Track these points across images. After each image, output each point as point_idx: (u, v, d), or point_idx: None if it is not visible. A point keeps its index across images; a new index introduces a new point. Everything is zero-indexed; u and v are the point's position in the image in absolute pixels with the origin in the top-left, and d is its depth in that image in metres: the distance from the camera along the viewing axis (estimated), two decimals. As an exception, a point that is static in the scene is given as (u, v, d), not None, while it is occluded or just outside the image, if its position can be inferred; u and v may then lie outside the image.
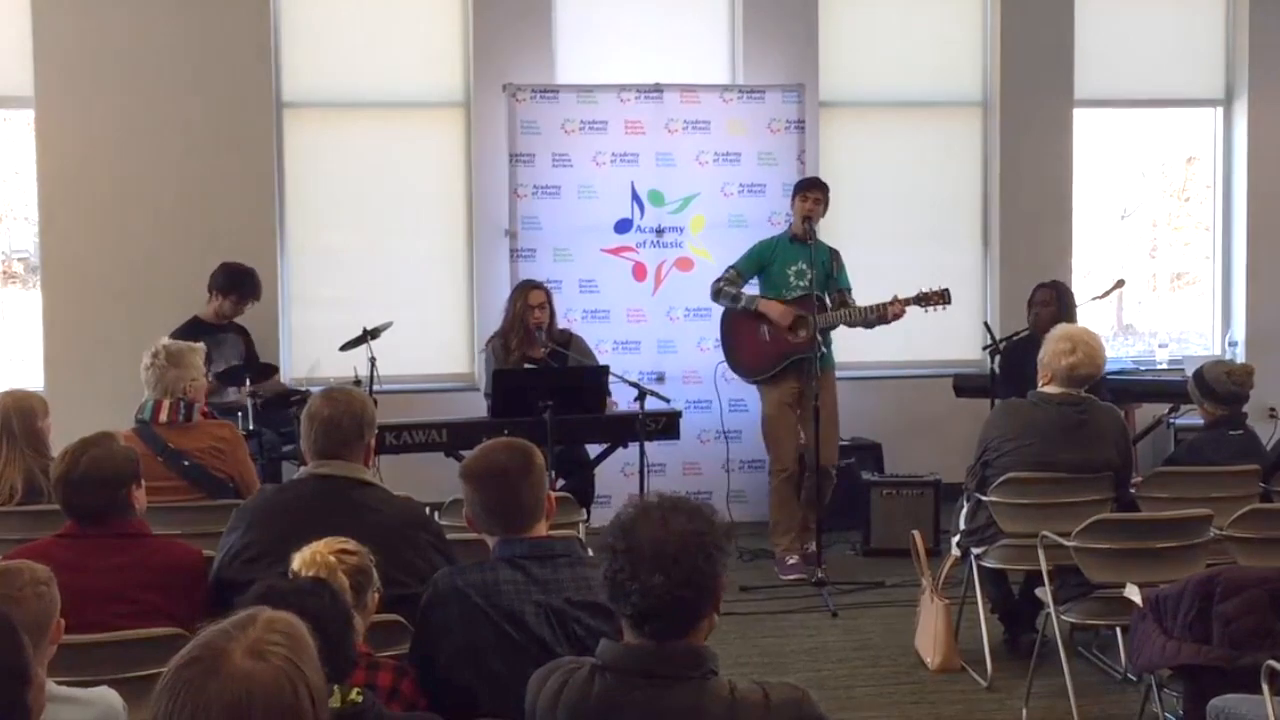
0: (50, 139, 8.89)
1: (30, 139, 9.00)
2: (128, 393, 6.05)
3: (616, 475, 8.21)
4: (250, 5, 8.99)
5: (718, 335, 8.24)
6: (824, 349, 7.81)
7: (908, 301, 7.80)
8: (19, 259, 10.09)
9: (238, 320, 8.47)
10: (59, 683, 3.11)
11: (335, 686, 2.75)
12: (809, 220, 7.80)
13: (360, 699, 2.82)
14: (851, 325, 7.98)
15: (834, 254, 8.08)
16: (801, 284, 7.88)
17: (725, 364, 8.23)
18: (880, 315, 7.82)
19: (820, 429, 7.64)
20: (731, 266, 8.08)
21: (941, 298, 7.84)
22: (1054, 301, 8.21)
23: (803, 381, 7.83)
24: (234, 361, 8.12)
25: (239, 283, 8.33)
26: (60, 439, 4.41)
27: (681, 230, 9.01)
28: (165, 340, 5.87)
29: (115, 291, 8.83)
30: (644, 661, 2.65)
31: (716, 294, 8.03)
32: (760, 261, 8.04)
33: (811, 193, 7.94)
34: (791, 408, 7.91)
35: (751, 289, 8.09)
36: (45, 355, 8.96)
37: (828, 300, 7.93)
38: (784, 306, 7.85)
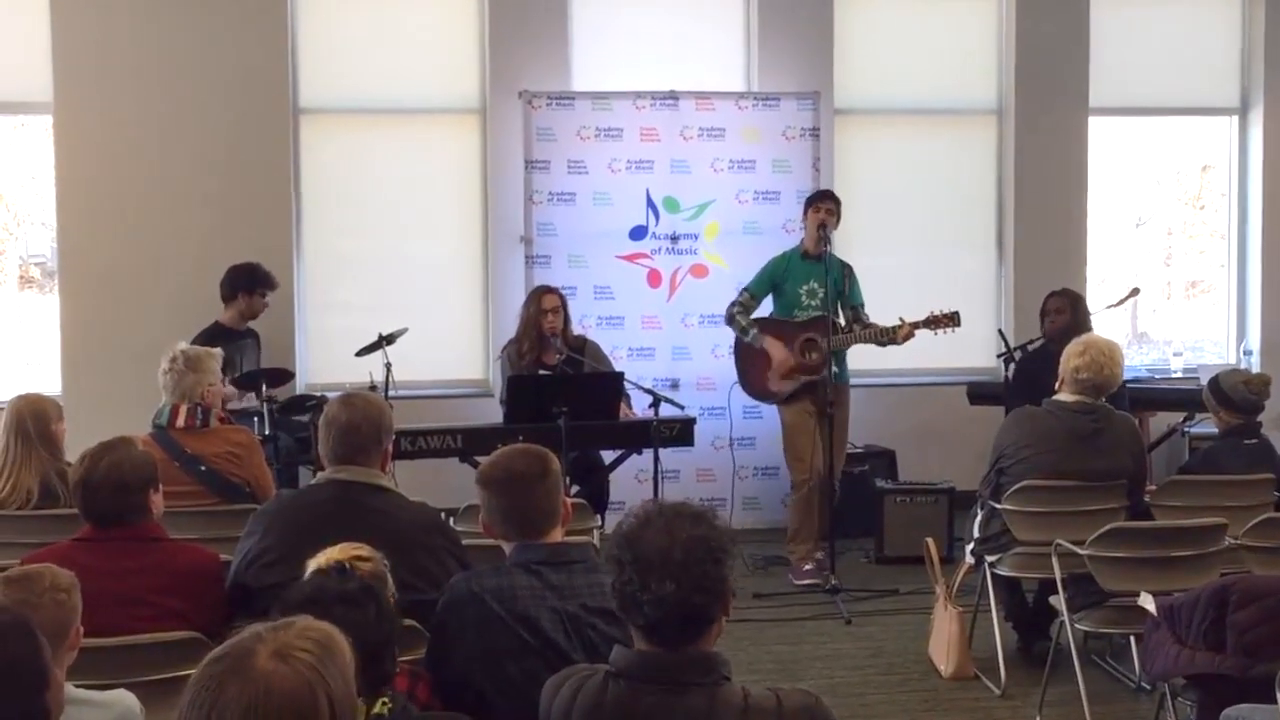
0: (68, 144, 8.93)
1: (49, 144, 9.05)
2: (145, 397, 6.07)
3: (630, 481, 8.20)
4: (267, 12, 9.03)
5: (732, 346, 8.24)
6: (835, 366, 7.81)
7: (916, 325, 7.76)
8: (36, 264, 10.14)
9: (252, 325, 8.52)
10: (76, 685, 3.13)
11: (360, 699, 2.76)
12: (824, 229, 7.80)
13: (385, 710, 2.82)
14: (863, 343, 7.98)
15: (846, 269, 8.06)
16: (813, 303, 7.89)
17: (739, 384, 8.23)
18: (890, 338, 7.81)
19: (833, 441, 7.65)
20: (745, 289, 8.07)
21: (951, 320, 7.80)
22: (1068, 310, 8.16)
23: (817, 399, 7.83)
24: (254, 367, 8.16)
25: (259, 277, 8.40)
26: (78, 443, 4.42)
27: (696, 237, 9.02)
28: (183, 345, 5.90)
29: (132, 296, 8.87)
30: (657, 668, 2.66)
31: (730, 320, 8.04)
32: (773, 280, 8.03)
33: (824, 203, 7.93)
34: (812, 416, 7.90)
35: (765, 307, 8.10)
36: (62, 360, 9.00)
37: (841, 319, 7.91)
38: (785, 353, 7.84)
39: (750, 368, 8.08)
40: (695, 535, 2.66)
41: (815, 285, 7.88)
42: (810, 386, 7.84)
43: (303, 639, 2.02)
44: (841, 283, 7.92)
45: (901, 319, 7.75)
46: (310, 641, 2.03)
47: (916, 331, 7.76)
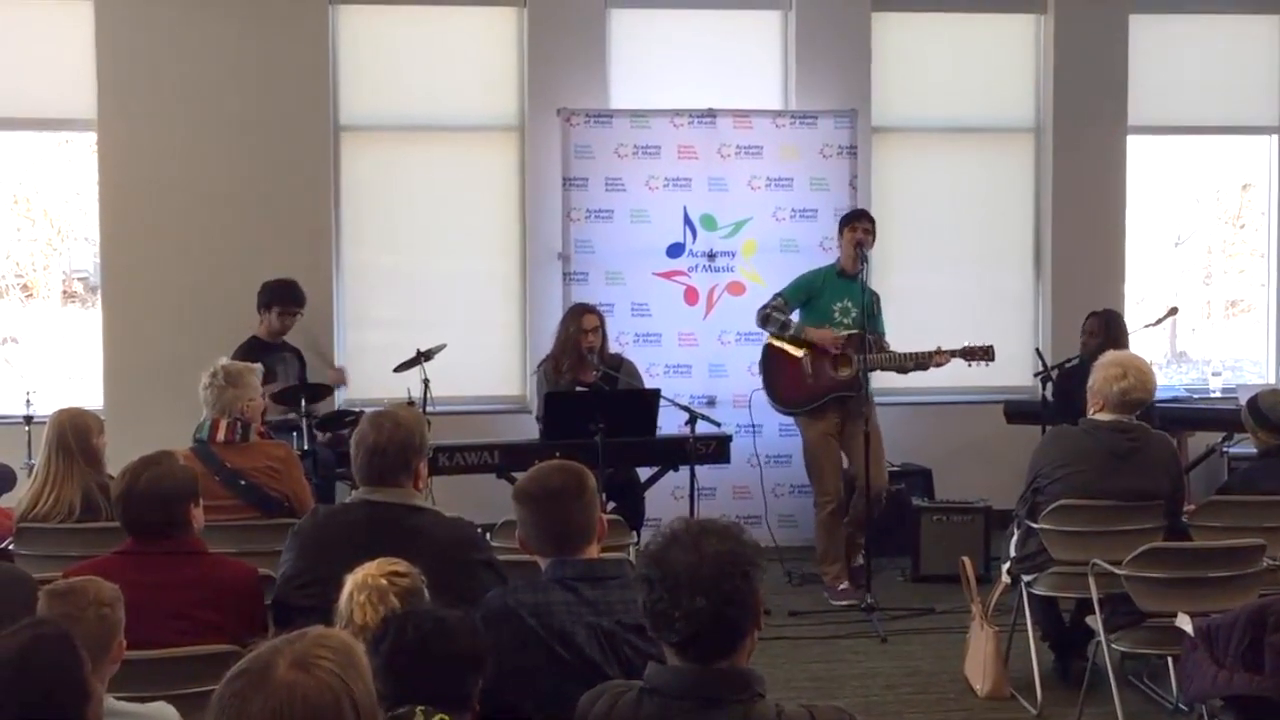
0: (111, 161, 9.02)
1: (92, 161, 9.14)
2: (186, 411, 6.12)
3: (667, 499, 8.22)
4: (308, 30, 9.11)
5: (759, 358, 8.23)
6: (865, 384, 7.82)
7: (952, 354, 7.80)
8: (79, 279, 10.24)
9: (292, 341, 8.57)
10: (117, 698, 3.16)
11: (420, 708, 2.78)
12: (860, 248, 7.81)
13: None
14: (886, 369, 7.99)
15: (875, 297, 8.09)
16: (846, 321, 7.89)
17: (762, 392, 8.23)
18: (920, 363, 7.83)
19: (869, 454, 7.64)
20: (779, 294, 8.08)
21: (986, 354, 7.83)
22: (1100, 332, 8.12)
23: (845, 415, 7.84)
24: (292, 381, 8.22)
25: (276, 295, 8.44)
26: (119, 457, 4.47)
27: (733, 254, 9.04)
28: (223, 360, 5.95)
29: (174, 311, 8.94)
30: (691, 685, 2.67)
31: (764, 320, 8.04)
32: (808, 291, 8.04)
33: (861, 223, 7.95)
34: (834, 438, 7.91)
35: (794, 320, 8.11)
36: (105, 374, 9.08)
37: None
38: (833, 334, 7.85)
39: (778, 377, 8.07)
40: (723, 550, 2.66)
41: (849, 304, 7.89)
42: (836, 402, 7.85)
43: (321, 647, 2.03)
44: (872, 307, 7.93)
45: (939, 346, 7.77)
46: (329, 650, 2.04)
47: (950, 360, 7.79)
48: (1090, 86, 9.69)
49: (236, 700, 1.96)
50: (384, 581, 3.25)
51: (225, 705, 1.97)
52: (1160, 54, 9.90)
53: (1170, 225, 10.74)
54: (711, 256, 9.03)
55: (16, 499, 5.64)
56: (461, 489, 7.62)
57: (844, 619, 7.41)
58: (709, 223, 9.04)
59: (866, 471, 7.67)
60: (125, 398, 8.86)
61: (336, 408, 8.74)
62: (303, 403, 7.67)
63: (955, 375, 8.39)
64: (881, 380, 8.35)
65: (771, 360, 8.11)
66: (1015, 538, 6.18)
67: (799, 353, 7.94)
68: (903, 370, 7.95)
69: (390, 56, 9.36)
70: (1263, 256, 10.41)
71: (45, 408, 7.26)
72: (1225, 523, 5.79)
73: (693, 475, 7.47)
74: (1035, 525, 5.88)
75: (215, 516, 5.01)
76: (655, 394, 7.68)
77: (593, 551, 3.58)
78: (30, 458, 7.47)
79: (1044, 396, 8.12)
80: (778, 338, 8.03)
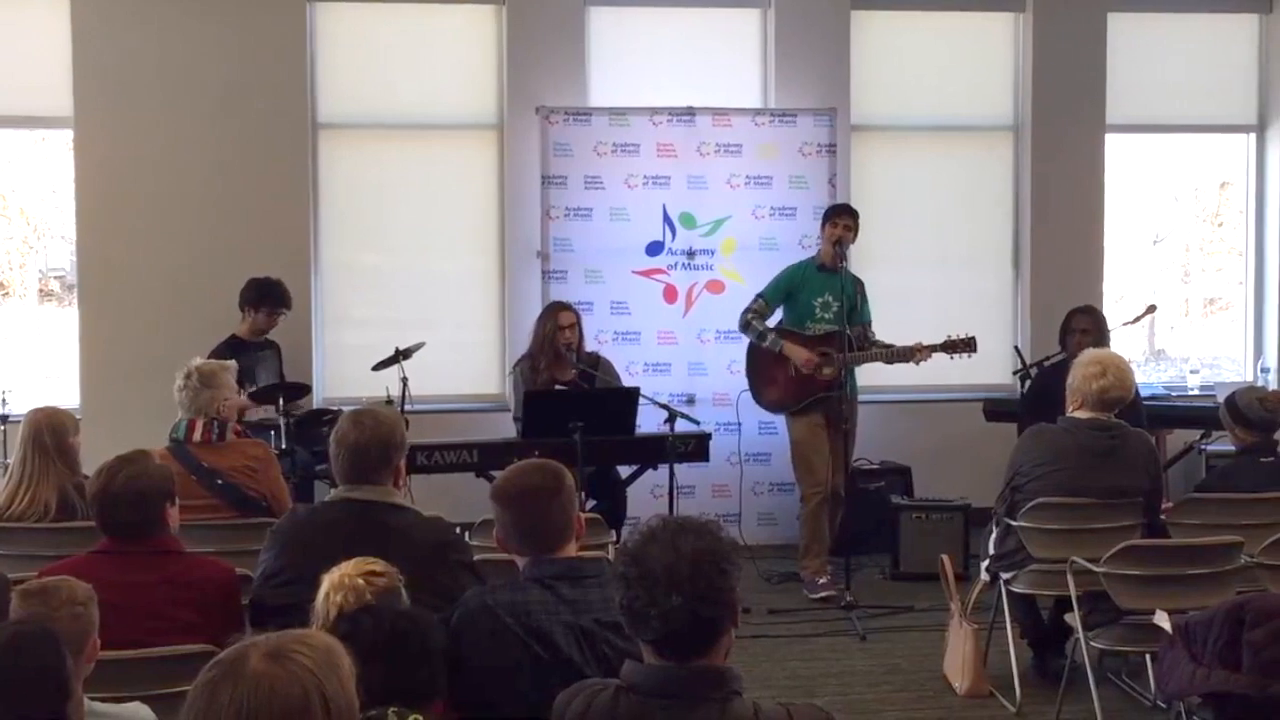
0: (88, 159, 8.98)
1: (69, 158, 9.10)
2: (163, 411, 6.09)
3: (646, 497, 8.21)
4: (287, 27, 9.07)
5: (745, 357, 8.23)
6: (848, 380, 7.82)
7: (933, 348, 7.80)
8: (56, 277, 10.20)
9: (271, 337, 8.55)
10: (92, 698, 3.15)
11: (393, 710, 2.78)
12: (840, 245, 7.82)
13: None
14: (878, 361, 8.00)
15: (859, 285, 8.09)
16: (827, 316, 7.90)
17: (749, 393, 8.24)
18: (903, 358, 7.84)
19: (847, 455, 7.66)
20: (760, 295, 8.08)
21: (967, 346, 7.83)
22: (1094, 329, 8.04)
23: (829, 413, 7.85)
24: (273, 379, 8.19)
25: (267, 293, 8.42)
26: (95, 457, 4.44)
27: (712, 253, 9.03)
28: (198, 360, 5.90)
29: (151, 310, 8.91)
30: (668, 682, 2.67)
31: (745, 326, 8.04)
32: (788, 289, 8.04)
33: (841, 219, 7.94)
34: (821, 429, 7.92)
35: (777, 316, 8.11)
36: (81, 373, 9.03)
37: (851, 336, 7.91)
38: (808, 354, 7.85)
39: (763, 377, 8.08)
40: (699, 548, 2.66)
41: (830, 298, 7.89)
42: (822, 400, 7.86)
43: (299, 644, 2.04)
44: (855, 298, 7.93)
45: (919, 342, 7.78)
46: (307, 647, 2.04)
47: (932, 355, 7.80)
48: (1069, 85, 9.71)
49: (208, 690, 1.97)
50: (360, 581, 3.24)
51: (197, 695, 1.98)
52: (1139, 52, 9.92)
53: (1149, 223, 10.77)
54: (691, 255, 9.02)
55: (-9, 498, 5.60)
56: (439, 488, 7.61)
57: (823, 617, 7.41)
58: (688, 221, 9.03)
59: (847, 470, 7.69)
60: (102, 397, 8.82)
61: (314, 407, 8.71)
62: (280, 401, 7.64)
63: (935, 373, 8.40)
64: (862, 378, 8.34)
65: (756, 362, 8.11)
66: (994, 535, 6.19)
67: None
68: (888, 362, 7.96)
69: (369, 54, 9.32)
70: (1240, 255, 10.44)
71: (21, 407, 7.26)
72: (1203, 520, 5.81)
73: (672, 473, 7.46)
74: (1014, 523, 5.89)
75: (193, 516, 5.00)
76: (634, 392, 7.67)
77: (571, 550, 3.58)
78: (5, 457, 7.44)
79: (1022, 394, 8.13)
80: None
